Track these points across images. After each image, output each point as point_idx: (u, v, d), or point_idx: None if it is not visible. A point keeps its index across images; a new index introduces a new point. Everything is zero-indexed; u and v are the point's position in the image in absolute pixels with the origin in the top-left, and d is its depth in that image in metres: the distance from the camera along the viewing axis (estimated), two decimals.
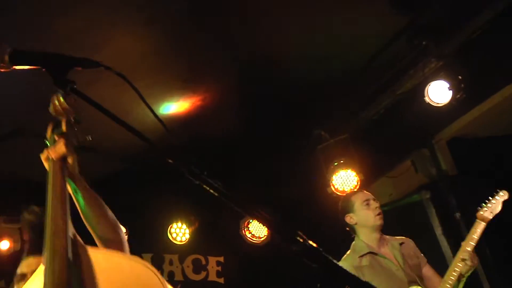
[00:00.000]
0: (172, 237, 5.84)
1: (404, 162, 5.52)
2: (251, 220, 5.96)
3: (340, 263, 3.34)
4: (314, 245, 1.16)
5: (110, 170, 5.03)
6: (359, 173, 5.07)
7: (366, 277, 3.42)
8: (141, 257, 5.68)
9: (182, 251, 6.05)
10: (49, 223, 1.63)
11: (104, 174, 4.95)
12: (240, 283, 6.05)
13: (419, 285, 3.59)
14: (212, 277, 6.15)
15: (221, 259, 6.26)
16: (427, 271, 3.71)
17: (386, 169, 5.60)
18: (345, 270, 1.16)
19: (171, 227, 5.84)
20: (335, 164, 5.14)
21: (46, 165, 1.89)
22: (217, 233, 6.06)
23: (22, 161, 4.71)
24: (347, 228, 3.79)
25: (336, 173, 5.10)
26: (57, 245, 1.57)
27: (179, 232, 5.86)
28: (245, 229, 6.00)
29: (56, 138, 1.91)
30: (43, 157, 1.89)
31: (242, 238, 6.01)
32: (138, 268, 1.55)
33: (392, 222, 4.94)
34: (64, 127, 1.95)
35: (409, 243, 3.80)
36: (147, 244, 5.93)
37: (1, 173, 4.78)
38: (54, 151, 1.88)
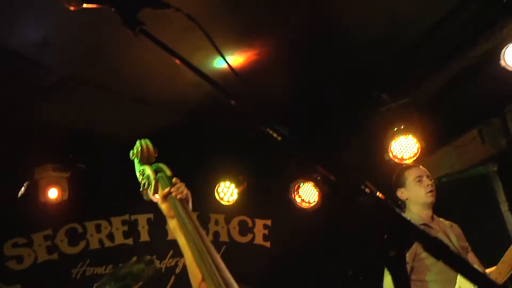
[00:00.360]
0: (219, 196, 5.95)
1: (470, 131, 5.41)
2: (301, 184, 6.01)
3: None
4: (382, 196, 1.19)
5: (160, 124, 5.14)
6: (420, 140, 5.01)
7: None
8: None
9: (229, 212, 6.18)
10: (207, 261, 2.03)
11: (155, 128, 5.08)
12: (287, 248, 6.14)
13: None
14: (259, 240, 6.28)
15: (269, 222, 6.37)
16: (471, 257, 3.84)
17: (450, 138, 5.51)
18: (413, 224, 1.19)
19: (218, 186, 5.95)
20: (395, 129, 5.09)
21: (162, 201, 2.25)
22: (265, 196, 6.15)
23: (71, 111, 4.90)
24: (399, 202, 3.89)
25: (396, 139, 5.06)
26: (227, 279, 2.01)
27: (227, 192, 5.97)
28: (295, 192, 6.05)
29: (175, 180, 2.32)
30: (163, 194, 2.24)
31: (291, 202, 6.08)
32: None
33: (454, 195, 4.90)
34: (169, 172, 2.37)
35: (457, 227, 3.95)
36: (194, 202, 6.06)
37: (50, 122, 4.97)
38: (179, 191, 2.28)
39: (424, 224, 3.75)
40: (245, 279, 5.89)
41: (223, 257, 6.70)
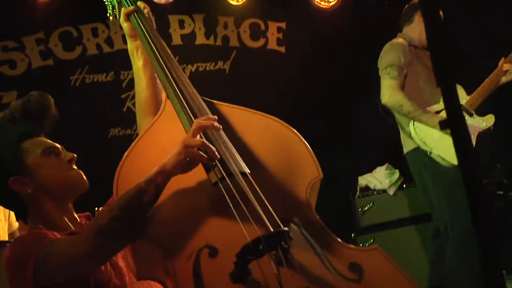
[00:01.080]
0: None
1: None
2: None
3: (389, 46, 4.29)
4: None
5: None
6: None
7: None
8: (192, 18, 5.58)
9: (239, 14, 5.95)
10: (171, 77, 2.04)
11: None
12: (303, 53, 6.03)
13: None
14: (272, 45, 6.14)
15: (283, 25, 6.17)
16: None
17: None
18: None
19: None
20: None
21: (125, 20, 2.31)
22: None
23: None
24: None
25: None
26: (191, 93, 1.99)
27: None
28: None
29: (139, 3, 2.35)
30: (125, 12, 2.30)
31: (308, 2, 5.90)
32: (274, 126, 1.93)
33: None
34: None
35: None
36: (199, 2, 5.89)
37: None
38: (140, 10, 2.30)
39: (413, 46, 4.20)
40: (257, 86, 5.91)
41: (234, 64, 6.72)
